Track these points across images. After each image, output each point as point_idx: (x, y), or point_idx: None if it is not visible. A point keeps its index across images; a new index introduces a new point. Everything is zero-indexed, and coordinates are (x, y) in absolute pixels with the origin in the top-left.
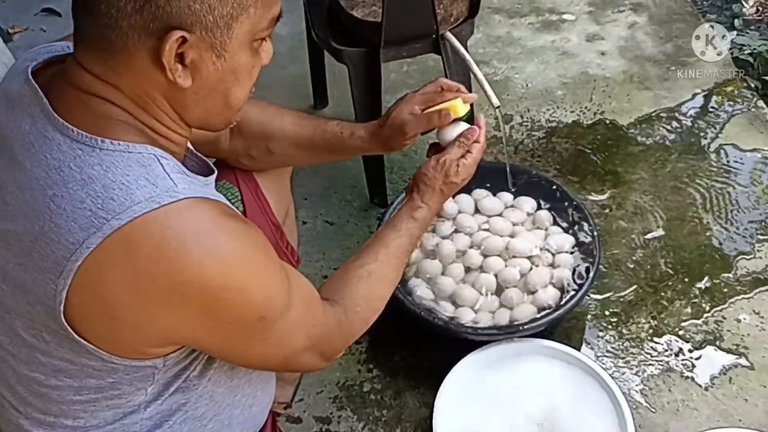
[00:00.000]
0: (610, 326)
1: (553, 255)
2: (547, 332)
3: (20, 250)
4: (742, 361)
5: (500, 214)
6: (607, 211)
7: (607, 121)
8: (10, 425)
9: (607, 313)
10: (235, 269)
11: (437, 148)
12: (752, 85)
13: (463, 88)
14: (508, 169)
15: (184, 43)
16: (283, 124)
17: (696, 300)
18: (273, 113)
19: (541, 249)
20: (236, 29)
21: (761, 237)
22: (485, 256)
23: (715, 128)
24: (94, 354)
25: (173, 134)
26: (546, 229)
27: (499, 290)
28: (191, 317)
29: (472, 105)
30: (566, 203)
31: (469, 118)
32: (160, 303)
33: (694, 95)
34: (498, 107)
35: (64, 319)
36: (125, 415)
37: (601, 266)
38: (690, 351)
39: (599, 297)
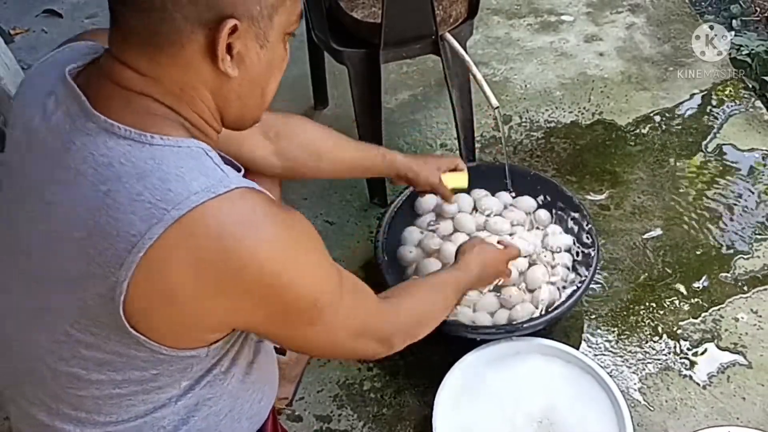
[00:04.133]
0: (608, 325)
1: (552, 254)
2: (546, 331)
3: (69, 246)
4: (740, 359)
5: (499, 214)
6: (605, 210)
7: (606, 122)
8: (32, 422)
9: (605, 312)
10: (291, 254)
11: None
12: (750, 86)
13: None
14: (507, 169)
15: (234, 33)
16: (333, 146)
17: (694, 299)
18: (324, 132)
19: (540, 248)
20: (276, 20)
21: (759, 236)
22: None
23: (713, 128)
24: (144, 345)
25: (210, 130)
26: (545, 229)
27: (498, 289)
28: (249, 302)
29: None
30: (565, 203)
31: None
32: (220, 289)
33: (692, 95)
34: (497, 108)
35: (122, 311)
36: (156, 409)
37: (599, 266)
38: (688, 350)
39: (598, 296)
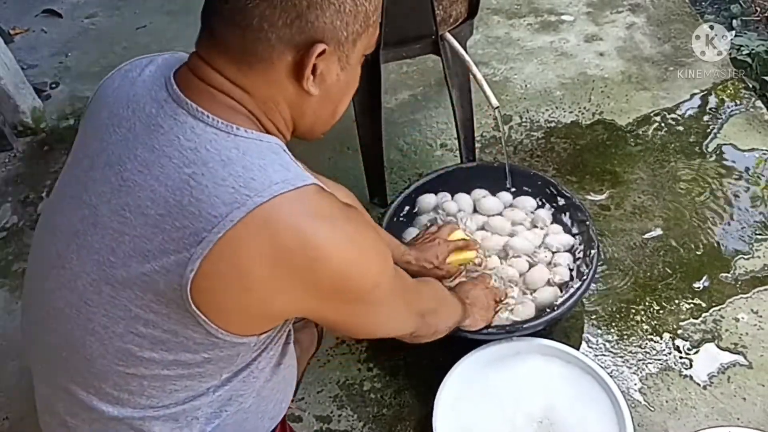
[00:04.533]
0: (608, 325)
1: (552, 254)
2: (546, 331)
3: (144, 221)
4: (741, 359)
5: (500, 214)
6: (605, 210)
7: (606, 122)
8: (70, 400)
9: (605, 312)
10: (357, 246)
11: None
12: (750, 86)
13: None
14: (507, 169)
15: (321, 55)
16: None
17: (694, 299)
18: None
19: (540, 248)
20: (359, 44)
21: (759, 237)
22: (485, 255)
23: (714, 128)
24: (203, 326)
25: (281, 137)
26: (545, 229)
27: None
28: (319, 290)
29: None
30: (565, 203)
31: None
32: (293, 277)
33: (692, 95)
34: (497, 108)
35: (189, 289)
36: (195, 397)
37: (599, 266)
38: (688, 350)
39: (598, 296)
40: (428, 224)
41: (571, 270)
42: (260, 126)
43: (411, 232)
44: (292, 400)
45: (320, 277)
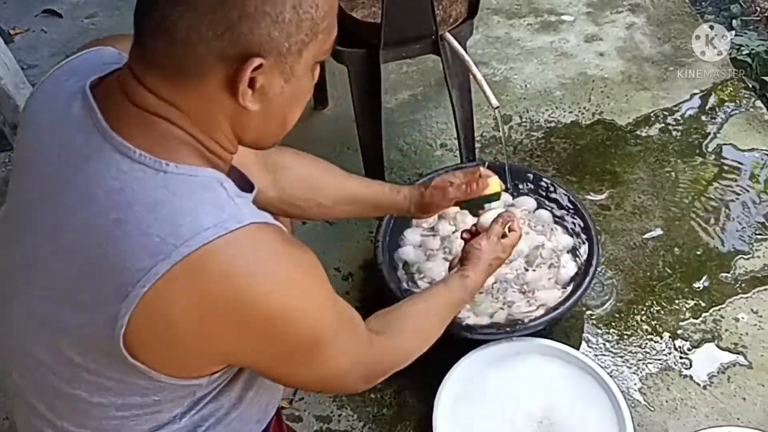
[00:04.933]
0: (608, 325)
1: (552, 254)
2: (546, 331)
3: (77, 270)
4: (741, 359)
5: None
6: (605, 210)
7: (606, 122)
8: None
9: (605, 312)
10: (297, 295)
11: (472, 232)
12: (750, 86)
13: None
14: (507, 169)
15: (259, 68)
16: (335, 179)
17: (694, 299)
18: (322, 167)
19: (539, 248)
20: (305, 54)
21: (759, 237)
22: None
23: (713, 128)
24: (146, 374)
25: (226, 153)
26: (545, 229)
27: (498, 290)
28: (253, 341)
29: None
30: (565, 203)
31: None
32: (225, 328)
33: (692, 95)
34: (497, 108)
35: (122, 343)
36: (160, 426)
37: (599, 266)
38: (688, 350)
39: (598, 296)
40: (430, 223)
41: (570, 270)
42: (201, 147)
43: (411, 232)
44: (292, 400)
45: (255, 329)
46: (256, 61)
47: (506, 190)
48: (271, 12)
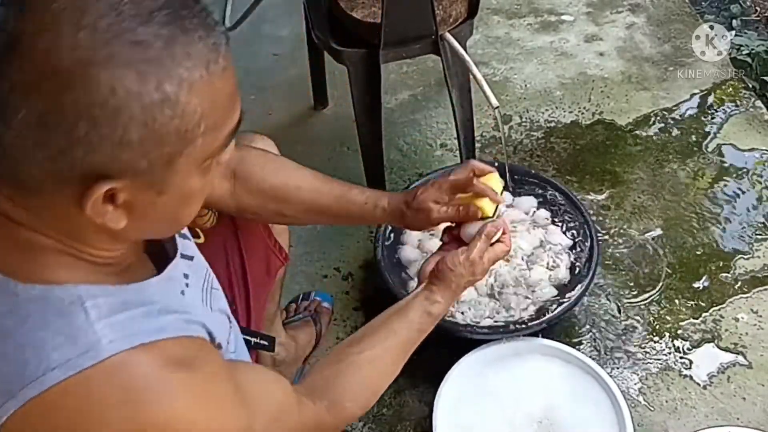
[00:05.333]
0: (608, 325)
1: (552, 254)
2: (546, 331)
3: None
4: (741, 359)
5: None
6: (605, 210)
7: (606, 122)
8: None
9: (605, 311)
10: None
11: (454, 235)
12: (750, 86)
13: (492, 168)
14: (507, 169)
15: (111, 190)
16: (300, 190)
17: (694, 299)
18: (289, 175)
19: (539, 248)
20: (180, 163)
21: (759, 237)
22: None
23: (713, 128)
24: None
25: (107, 254)
26: (545, 229)
27: (498, 290)
28: None
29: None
30: (565, 203)
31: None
32: None
33: (692, 95)
34: (497, 108)
35: None
36: None
37: (599, 265)
38: (688, 350)
39: (598, 296)
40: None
41: (570, 270)
42: (74, 251)
43: (411, 232)
44: None
45: None
46: (102, 187)
47: (506, 190)
48: (110, 136)
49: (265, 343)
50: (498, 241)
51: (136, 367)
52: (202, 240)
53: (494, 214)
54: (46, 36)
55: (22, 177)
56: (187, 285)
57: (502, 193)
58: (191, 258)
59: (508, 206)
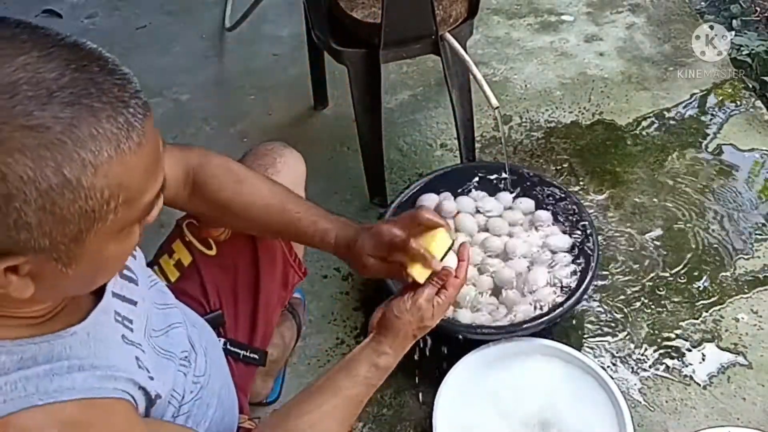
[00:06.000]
0: (608, 325)
1: (552, 255)
2: (546, 331)
3: None
4: (741, 360)
5: (499, 215)
6: (605, 210)
7: (606, 122)
8: None
9: (605, 312)
10: None
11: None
12: (750, 86)
13: (442, 222)
14: (507, 169)
15: (13, 265)
16: (252, 207)
17: (694, 299)
18: (245, 191)
19: (539, 249)
20: (90, 239)
21: (759, 237)
22: (484, 256)
23: (713, 128)
24: None
25: (24, 312)
26: (545, 229)
27: (498, 290)
28: None
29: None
30: (565, 203)
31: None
32: None
33: (692, 95)
34: (497, 108)
35: None
36: None
37: (599, 266)
38: (688, 350)
39: (598, 296)
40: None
41: (570, 270)
42: None
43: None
44: (277, 399)
45: None
46: (3, 263)
47: (507, 190)
48: (3, 219)
49: (256, 356)
50: (443, 287)
51: (22, 430)
52: (213, 252)
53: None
54: None
55: None
56: (131, 330)
57: (448, 251)
58: (134, 303)
59: (507, 207)
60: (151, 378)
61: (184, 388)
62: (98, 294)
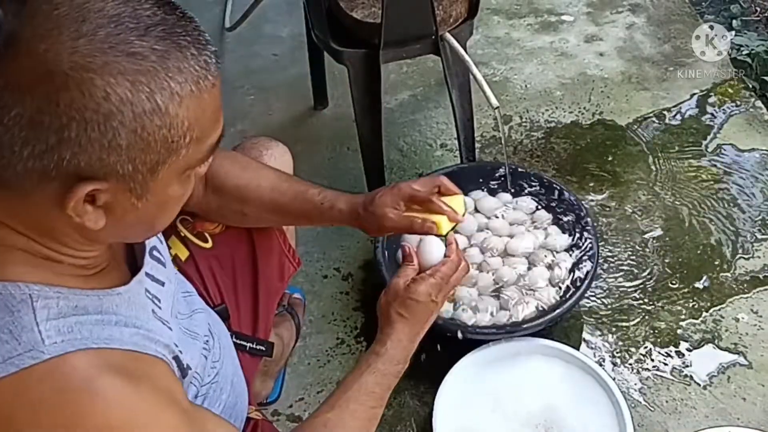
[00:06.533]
0: (608, 325)
1: (552, 255)
2: (546, 331)
3: None
4: (741, 360)
5: (499, 215)
6: (606, 210)
7: (606, 122)
8: None
9: (605, 312)
10: None
11: (406, 255)
12: (750, 86)
13: (458, 191)
14: (507, 169)
15: (96, 191)
16: (261, 189)
17: (694, 299)
18: (251, 176)
19: (539, 249)
20: (163, 172)
21: (759, 236)
22: (484, 256)
23: (713, 128)
24: None
25: (80, 254)
26: (545, 229)
27: (498, 290)
28: None
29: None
30: (565, 203)
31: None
32: None
33: (692, 95)
34: (497, 108)
35: None
36: None
37: (599, 266)
38: (688, 350)
39: (598, 296)
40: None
41: (570, 270)
42: (40, 248)
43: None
44: (277, 399)
45: None
46: (87, 187)
47: (507, 190)
48: (100, 138)
49: (263, 348)
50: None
51: (75, 369)
52: (209, 245)
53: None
54: (45, 40)
55: (3, 171)
56: (159, 307)
57: (464, 215)
58: (162, 283)
59: (508, 207)
60: (181, 352)
61: (204, 370)
62: (132, 268)
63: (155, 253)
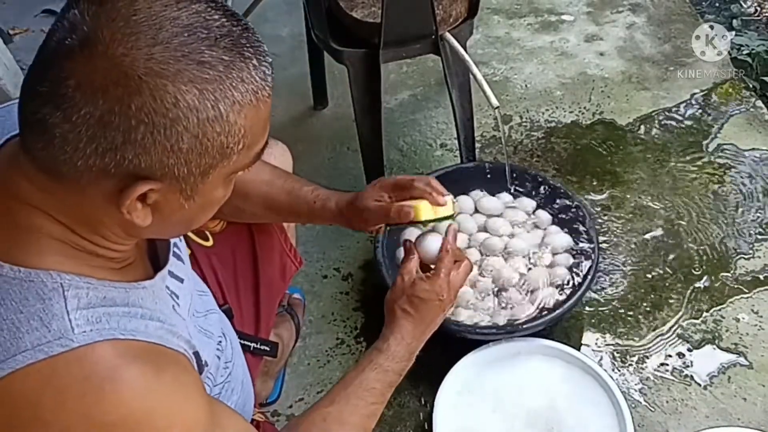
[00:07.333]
0: (609, 325)
1: (552, 255)
2: (546, 332)
3: None
4: (741, 360)
5: (500, 215)
6: (606, 210)
7: (606, 122)
8: None
9: (606, 312)
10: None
11: (407, 249)
12: (750, 86)
13: (444, 192)
14: (507, 169)
15: (150, 191)
16: (256, 183)
17: (695, 299)
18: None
19: (540, 249)
20: (213, 175)
21: (760, 237)
22: (484, 256)
23: (714, 128)
24: None
25: (115, 247)
26: (545, 230)
27: (498, 290)
28: None
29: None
30: (565, 203)
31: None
32: None
33: (693, 95)
34: (497, 108)
35: None
36: None
37: (599, 266)
38: (689, 350)
39: (598, 296)
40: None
41: (570, 270)
42: (76, 237)
43: (411, 232)
44: (276, 399)
45: None
46: (144, 187)
47: (507, 190)
48: (164, 142)
49: (267, 348)
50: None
51: (102, 358)
52: (210, 243)
53: (439, 220)
54: (124, 44)
55: (65, 168)
56: (178, 304)
57: (454, 218)
58: (182, 280)
59: (508, 207)
60: (199, 349)
61: (218, 371)
62: (153, 263)
63: (176, 249)
